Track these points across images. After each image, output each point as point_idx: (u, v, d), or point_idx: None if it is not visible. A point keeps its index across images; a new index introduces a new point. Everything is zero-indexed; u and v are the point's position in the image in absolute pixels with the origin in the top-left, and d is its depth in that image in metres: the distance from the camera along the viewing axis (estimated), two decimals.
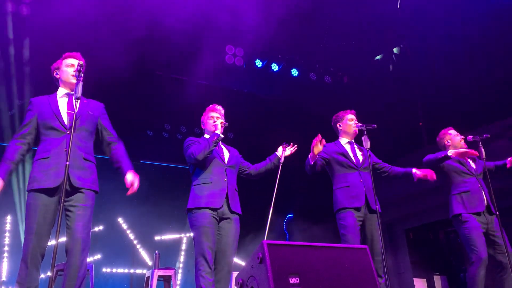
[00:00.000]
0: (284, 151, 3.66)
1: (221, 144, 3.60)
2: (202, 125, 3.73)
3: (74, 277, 2.66)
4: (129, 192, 2.90)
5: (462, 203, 3.98)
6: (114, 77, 5.68)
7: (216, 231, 3.30)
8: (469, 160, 4.19)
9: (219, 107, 3.68)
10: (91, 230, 2.87)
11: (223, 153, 3.54)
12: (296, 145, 3.75)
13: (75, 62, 2.97)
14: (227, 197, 3.35)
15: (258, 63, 7.09)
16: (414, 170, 3.86)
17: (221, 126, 3.41)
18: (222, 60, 6.74)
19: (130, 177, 2.92)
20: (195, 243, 3.25)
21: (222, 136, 3.41)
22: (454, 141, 4.24)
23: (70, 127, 2.75)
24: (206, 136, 3.61)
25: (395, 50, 7.23)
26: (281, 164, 3.62)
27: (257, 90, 7.56)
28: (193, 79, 7.01)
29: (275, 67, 7.20)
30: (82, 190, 2.80)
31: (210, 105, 3.71)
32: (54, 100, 2.94)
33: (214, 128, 3.45)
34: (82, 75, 2.73)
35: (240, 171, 3.68)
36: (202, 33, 6.26)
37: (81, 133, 2.87)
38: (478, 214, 3.93)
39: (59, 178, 2.69)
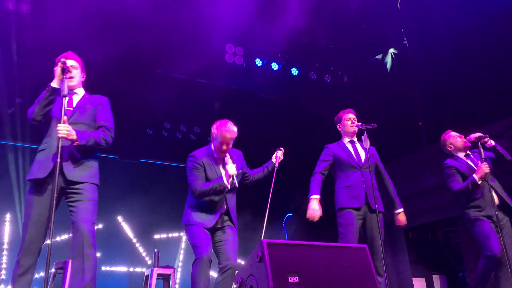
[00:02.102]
0: (278, 158, 3.56)
1: (226, 158, 3.41)
2: (212, 135, 3.39)
3: (79, 271, 2.67)
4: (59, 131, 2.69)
5: (478, 209, 3.96)
6: (113, 75, 5.68)
7: (213, 237, 3.33)
8: (469, 163, 4.18)
9: (232, 130, 3.33)
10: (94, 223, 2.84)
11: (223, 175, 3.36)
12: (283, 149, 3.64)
13: (69, 63, 3.03)
14: (228, 215, 3.37)
15: (258, 62, 7.09)
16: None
17: (231, 177, 3.23)
18: (222, 59, 6.74)
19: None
20: (192, 242, 3.28)
21: (228, 187, 3.27)
22: (456, 143, 4.21)
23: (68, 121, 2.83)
24: (212, 147, 3.45)
25: (391, 50, 7.23)
26: (276, 169, 3.54)
27: (257, 89, 7.56)
28: (193, 78, 7.01)
29: (275, 66, 7.21)
30: (80, 185, 2.80)
31: (224, 123, 3.35)
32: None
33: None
34: (67, 72, 2.80)
35: (242, 179, 3.60)
36: (202, 31, 6.26)
37: (78, 127, 2.87)
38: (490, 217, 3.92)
39: (48, 169, 2.74)
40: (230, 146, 3.38)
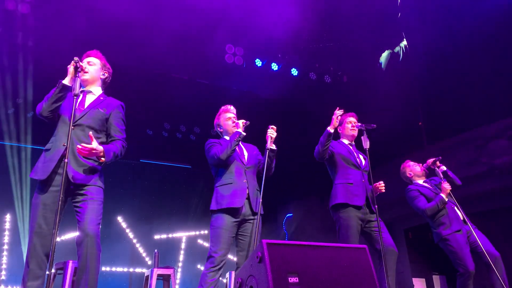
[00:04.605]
0: (268, 138, 3.46)
1: (241, 144, 3.56)
2: (218, 128, 3.67)
3: (83, 271, 2.65)
4: (81, 148, 2.65)
5: (445, 226, 4.11)
6: (113, 75, 5.66)
7: (234, 235, 3.32)
8: (428, 186, 4.36)
9: (232, 107, 3.67)
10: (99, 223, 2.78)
11: (243, 154, 3.53)
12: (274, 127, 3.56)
13: (86, 59, 3.07)
14: (248, 198, 3.35)
15: (258, 62, 7.09)
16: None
17: (243, 125, 3.43)
18: (222, 59, 6.74)
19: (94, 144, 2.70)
20: (210, 242, 3.30)
21: (244, 134, 3.40)
22: (414, 171, 4.49)
23: (74, 123, 2.78)
24: (227, 138, 3.57)
25: (396, 49, 7.24)
26: (269, 150, 3.41)
27: (256, 90, 7.56)
28: (193, 78, 7.02)
29: (275, 66, 7.21)
30: (85, 186, 2.77)
31: (223, 107, 3.67)
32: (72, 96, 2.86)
33: (236, 128, 3.47)
34: (80, 71, 2.76)
35: (258, 171, 3.63)
36: (202, 32, 6.26)
37: (84, 131, 2.81)
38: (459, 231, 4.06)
39: (48, 170, 2.71)
40: (243, 122, 3.50)
